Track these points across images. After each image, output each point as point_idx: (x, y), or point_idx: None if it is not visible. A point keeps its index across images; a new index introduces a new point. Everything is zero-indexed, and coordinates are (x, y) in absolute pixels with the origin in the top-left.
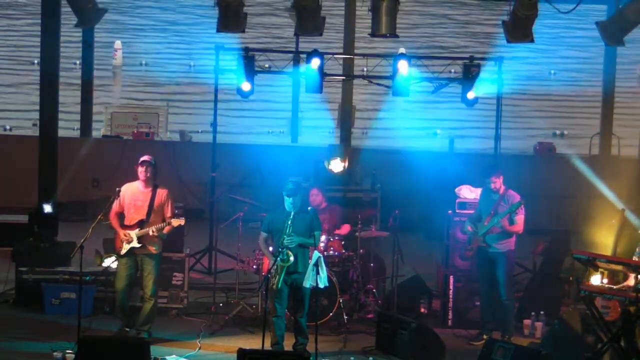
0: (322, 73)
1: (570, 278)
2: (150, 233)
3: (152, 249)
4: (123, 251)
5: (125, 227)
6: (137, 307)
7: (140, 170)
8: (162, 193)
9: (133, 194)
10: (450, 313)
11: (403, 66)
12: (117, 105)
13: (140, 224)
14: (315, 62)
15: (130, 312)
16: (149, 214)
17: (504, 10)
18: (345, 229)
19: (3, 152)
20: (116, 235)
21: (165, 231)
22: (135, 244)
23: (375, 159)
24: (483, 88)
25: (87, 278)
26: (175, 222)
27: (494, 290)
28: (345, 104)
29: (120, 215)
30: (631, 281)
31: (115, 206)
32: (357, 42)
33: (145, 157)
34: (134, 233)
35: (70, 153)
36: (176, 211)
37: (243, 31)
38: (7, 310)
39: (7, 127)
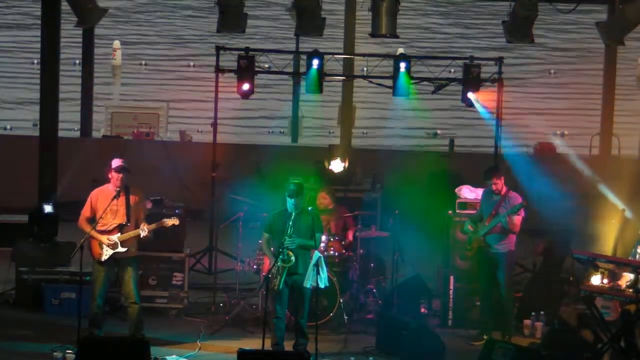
0: (322, 73)
1: (571, 278)
2: (142, 235)
3: (133, 252)
4: (104, 257)
5: (102, 232)
6: (126, 306)
7: (117, 177)
8: (135, 193)
9: (108, 199)
10: (450, 313)
11: (403, 66)
12: (117, 105)
13: (120, 228)
14: (315, 63)
15: (103, 319)
16: (128, 216)
17: (504, 10)
18: (351, 234)
19: (3, 152)
20: (92, 241)
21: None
22: (119, 249)
23: (376, 159)
24: (483, 88)
25: (87, 278)
26: (168, 222)
27: (494, 290)
28: (345, 104)
29: (91, 221)
30: (624, 280)
31: (85, 211)
32: (357, 42)
33: (119, 163)
34: (115, 237)
35: (70, 153)
36: (176, 211)
37: (243, 31)
38: (7, 310)
39: (7, 127)
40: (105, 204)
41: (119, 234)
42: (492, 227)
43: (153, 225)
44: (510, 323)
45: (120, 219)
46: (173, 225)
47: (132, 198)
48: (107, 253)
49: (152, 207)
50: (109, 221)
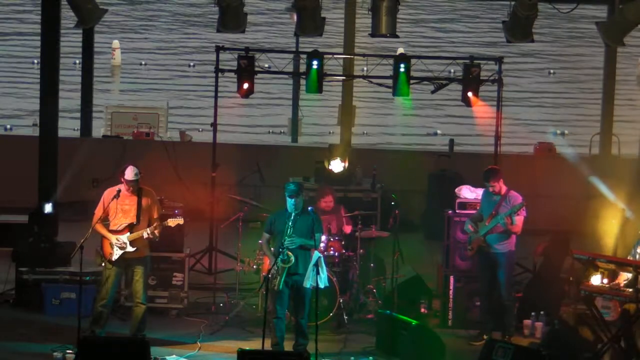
0: (322, 73)
1: (571, 278)
2: (145, 236)
3: (144, 253)
4: (115, 257)
5: (113, 232)
6: (126, 306)
7: (127, 187)
8: (148, 194)
9: (120, 199)
10: (450, 313)
11: (403, 66)
12: (117, 105)
13: (130, 228)
14: (315, 63)
15: (107, 319)
16: (138, 217)
17: (504, 10)
18: (348, 228)
19: (3, 152)
20: (103, 241)
21: (157, 232)
22: (129, 248)
23: (376, 159)
24: (483, 88)
25: (87, 278)
26: (173, 222)
27: (494, 291)
28: (345, 104)
29: (103, 220)
30: (621, 278)
31: (98, 211)
32: (357, 42)
33: (131, 176)
34: (125, 237)
35: (70, 153)
36: (176, 211)
37: (243, 31)
38: (7, 310)
39: (7, 127)
40: (116, 204)
41: (128, 234)
42: (493, 227)
43: (154, 228)
44: (510, 323)
45: (131, 219)
46: (178, 224)
47: (144, 200)
48: (116, 253)
49: None
50: (120, 221)
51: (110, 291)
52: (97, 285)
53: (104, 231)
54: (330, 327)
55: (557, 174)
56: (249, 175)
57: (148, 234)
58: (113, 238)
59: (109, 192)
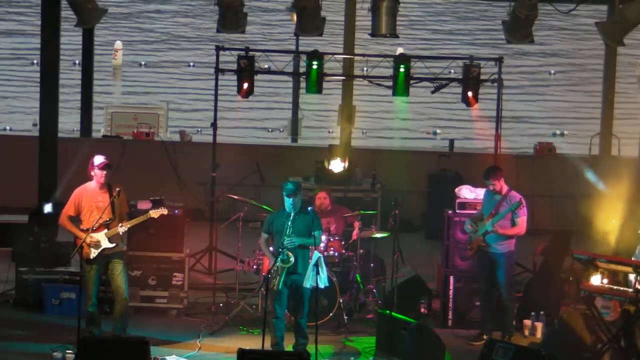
0: (322, 73)
1: (571, 278)
2: (122, 232)
3: (122, 248)
4: (92, 255)
5: (87, 231)
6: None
7: (101, 174)
8: (117, 189)
9: (92, 197)
10: (450, 313)
11: (403, 67)
12: (117, 105)
13: (107, 225)
14: (315, 63)
15: (100, 318)
16: (114, 212)
17: (504, 11)
18: (356, 226)
19: (3, 152)
20: (77, 241)
21: (127, 226)
22: (107, 244)
23: (376, 159)
24: (483, 88)
25: None
26: (155, 213)
27: (494, 291)
28: (345, 104)
29: (73, 219)
30: (620, 275)
31: (68, 210)
32: (357, 42)
33: (102, 160)
34: (101, 235)
35: (70, 153)
36: (176, 211)
37: (243, 31)
38: (7, 310)
39: (7, 127)
40: (90, 202)
41: (105, 230)
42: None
43: (135, 220)
44: (511, 323)
45: (107, 215)
46: (162, 215)
47: (115, 194)
48: (93, 252)
49: (151, 207)
50: (95, 219)
51: (94, 290)
52: None
53: (75, 230)
54: (330, 327)
55: (557, 174)
56: (249, 176)
57: (125, 229)
58: (87, 238)
59: (80, 191)
